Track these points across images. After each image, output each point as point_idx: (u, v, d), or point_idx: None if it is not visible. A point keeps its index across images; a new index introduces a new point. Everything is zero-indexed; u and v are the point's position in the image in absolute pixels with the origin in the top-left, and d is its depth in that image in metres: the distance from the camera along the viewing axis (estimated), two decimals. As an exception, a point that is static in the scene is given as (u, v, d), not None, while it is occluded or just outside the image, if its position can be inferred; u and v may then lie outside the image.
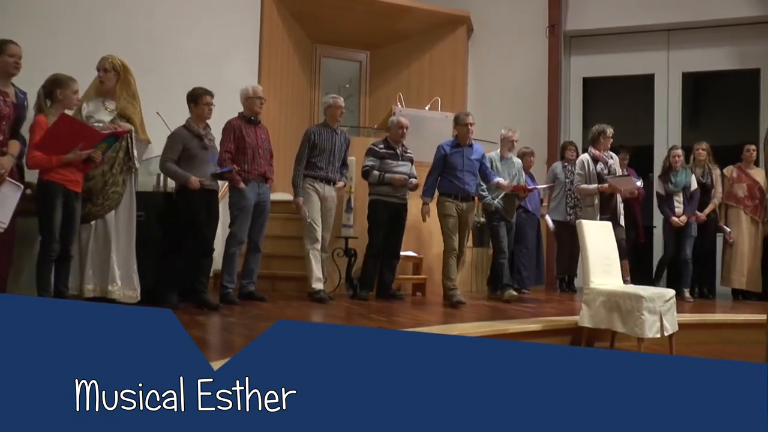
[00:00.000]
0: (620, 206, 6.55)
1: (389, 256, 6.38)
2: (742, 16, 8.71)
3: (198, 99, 5.29)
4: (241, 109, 5.95)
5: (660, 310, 4.68)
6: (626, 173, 6.91)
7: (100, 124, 4.77)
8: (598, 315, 4.81)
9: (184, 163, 5.23)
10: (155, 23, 6.91)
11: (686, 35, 9.09)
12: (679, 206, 7.25)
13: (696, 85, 9.39)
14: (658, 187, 7.46)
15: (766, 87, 8.84)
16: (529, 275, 7.17)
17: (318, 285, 6.08)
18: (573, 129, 9.47)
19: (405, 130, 6.35)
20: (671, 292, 4.90)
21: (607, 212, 6.40)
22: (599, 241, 5.14)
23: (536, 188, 7.03)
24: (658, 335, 4.66)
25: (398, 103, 7.52)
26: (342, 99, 6.46)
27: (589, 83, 9.62)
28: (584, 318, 4.87)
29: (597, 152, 6.59)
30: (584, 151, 7.06)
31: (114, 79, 5.00)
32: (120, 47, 5.50)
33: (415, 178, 6.38)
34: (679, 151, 7.27)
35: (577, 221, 5.32)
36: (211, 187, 5.33)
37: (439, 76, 9.54)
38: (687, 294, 7.13)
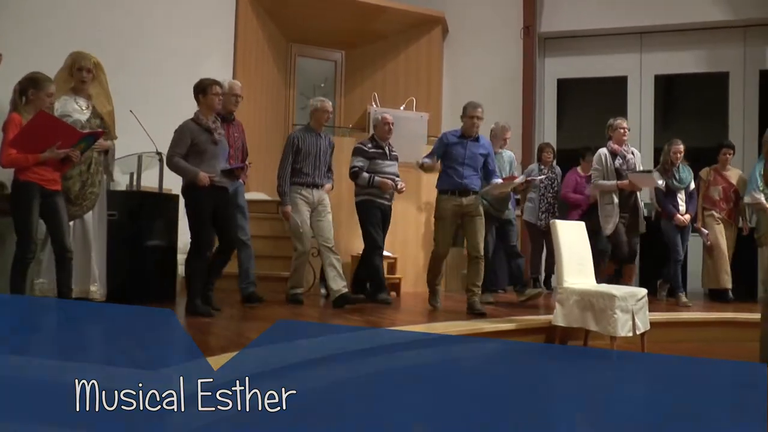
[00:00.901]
0: (641, 203, 6.29)
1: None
2: (713, 20, 8.89)
3: (207, 89, 4.97)
4: None
5: (632, 309, 4.78)
6: (647, 169, 6.49)
7: (78, 125, 4.70)
8: (572, 314, 4.88)
9: (194, 159, 4.92)
10: (129, 21, 6.86)
11: (658, 38, 9.25)
12: (682, 204, 6.92)
13: (668, 88, 9.54)
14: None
15: (735, 90, 9.02)
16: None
17: (296, 290, 5.93)
18: (547, 130, 9.57)
19: (391, 126, 6.19)
20: (643, 291, 4.99)
21: (626, 210, 6.20)
22: (573, 241, 5.20)
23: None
24: (630, 334, 4.75)
25: (373, 103, 7.53)
26: (330, 103, 6.13)
27: (563, 85, 9.72)
28: (558, 317, 4.94)
29: (615, 146, 6.34)
30: (559, 152, 7.01)
31: (92, 78, 4.94)
32: (94, 45, 5.41)
33: (398, 176, 6.23)
34: (681, 147, 6.87)
35: (551, 221, 5.35)
36: (221, 184, 5.02)
37: (414, 77, 9.60)
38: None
